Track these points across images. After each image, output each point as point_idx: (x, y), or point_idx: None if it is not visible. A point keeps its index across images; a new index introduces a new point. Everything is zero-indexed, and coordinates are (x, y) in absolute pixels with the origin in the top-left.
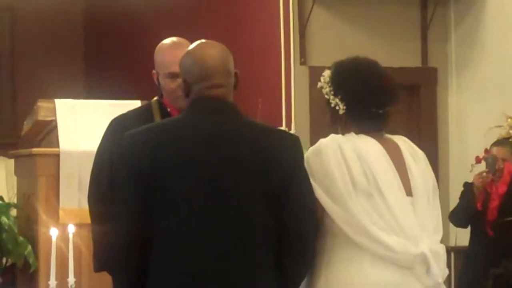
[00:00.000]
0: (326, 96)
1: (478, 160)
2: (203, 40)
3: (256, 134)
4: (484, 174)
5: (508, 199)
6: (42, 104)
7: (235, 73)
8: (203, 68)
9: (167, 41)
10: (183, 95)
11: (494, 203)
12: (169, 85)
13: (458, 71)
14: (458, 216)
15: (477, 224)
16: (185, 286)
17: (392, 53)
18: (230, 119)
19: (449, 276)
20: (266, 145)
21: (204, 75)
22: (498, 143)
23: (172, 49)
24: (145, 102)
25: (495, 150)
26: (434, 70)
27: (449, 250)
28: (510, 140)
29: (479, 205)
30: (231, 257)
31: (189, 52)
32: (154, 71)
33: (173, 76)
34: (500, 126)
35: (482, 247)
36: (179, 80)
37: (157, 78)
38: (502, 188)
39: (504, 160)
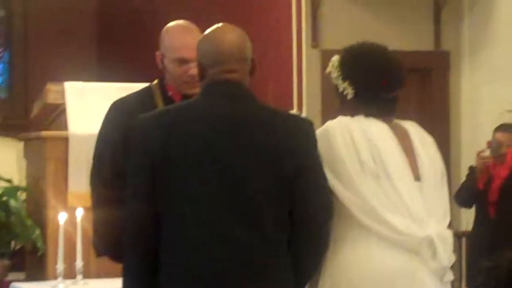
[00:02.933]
0: (335, 81)
1: (489, 145)
2: (221, 24)
3: (269, 118)
4: (486, 154)
5: (510, 183)
6: (51, 87)
7: (252, 59)
8: (218, 53)
9: (175, 24)
10: (198, 78)
11: (496, 184)
12: (176, 70)
13: (471, 55)
14: (461, 196)
15: (480, 205)
16: (196, 271)
17: (404, 36)
18: (244, 103)
19: (460, 261)
20: (279, 130)
21: (219, 59)
22: (501, 128)
23: (181, 33)
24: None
25: (498, 136)
26: (447, 54)
27: (460, 235)
28: None
29: (480, 185)
30: (243, 242)
31: (206, 36)
32: (158, 53)
33: (181, 61)
34: (511, 111)
35: (484, 228)
36: (186, 66)
37: (162, 61)
38: (504, 172)
39: (508, 145)
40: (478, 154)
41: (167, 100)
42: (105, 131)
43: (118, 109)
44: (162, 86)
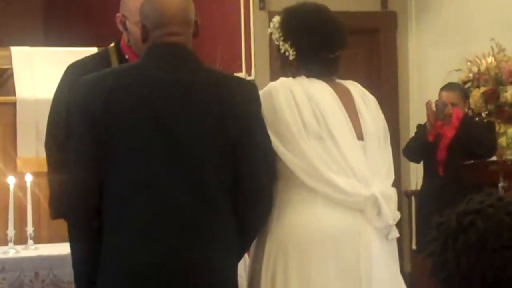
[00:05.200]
0: (276, 42)
1: (437, 105)
2: None
3: (213, 81)
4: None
5: (457, 143)
6: None
7: (195, 22)
8: (162, 15)
9: None
10: (141, 40)
11: (444, 143)
12: (139, 33)
13: (418, 15)
14: (410, 149)
15: (429, 163)
16: (140, 235)
17: None
18: (188, 66)
19: (410, 220)
20: (223, 93)
21: (162, 22)
22: (446, 88)
23: None
24: (102, 48)
25: (444, 95)
26: (394, 14)
27: (409, 194)
28: (466, 84)
29: (430, 137)
30: (188, 206)
31: None
32: (119, 14)
33: None
34: (459, 70)
35: (433, 186)
36: None
37: (123, 23)
38: (451, 133)
39: (453, 105)
40: (426, 104)
41: (123, 62)
42: (60, 95)
43: (73, 72)
44: (118, 49)
